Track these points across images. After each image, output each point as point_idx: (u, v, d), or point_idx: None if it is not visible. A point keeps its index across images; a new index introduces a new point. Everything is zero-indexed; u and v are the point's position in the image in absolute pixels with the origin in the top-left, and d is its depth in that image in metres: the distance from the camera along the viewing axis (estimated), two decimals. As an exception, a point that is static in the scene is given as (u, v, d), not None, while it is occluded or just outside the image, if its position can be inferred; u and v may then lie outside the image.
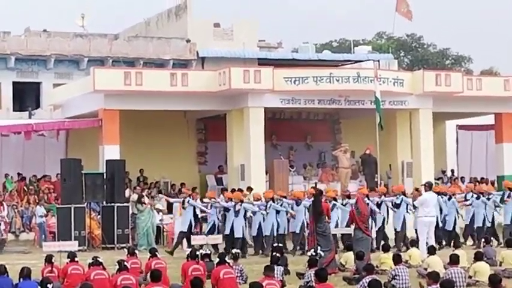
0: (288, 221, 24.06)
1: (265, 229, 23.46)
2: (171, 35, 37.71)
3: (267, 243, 23.11)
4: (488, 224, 25.26)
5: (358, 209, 19.95)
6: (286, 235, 24.10)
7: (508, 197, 25.59)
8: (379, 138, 29.05)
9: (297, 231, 23.77)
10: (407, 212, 24.17)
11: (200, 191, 29.22)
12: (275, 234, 23.45)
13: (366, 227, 19.85)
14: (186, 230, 23.43)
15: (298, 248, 23.50)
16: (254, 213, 23.69)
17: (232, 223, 23.05)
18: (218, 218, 23.73)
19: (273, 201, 23.72)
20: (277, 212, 23.74)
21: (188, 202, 23.76)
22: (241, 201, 23.39)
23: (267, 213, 23.50)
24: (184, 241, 23.63)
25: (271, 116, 31.30)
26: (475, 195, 25.72)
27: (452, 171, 35.93)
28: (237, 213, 23.11)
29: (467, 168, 36.71)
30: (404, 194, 24.54)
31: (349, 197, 24.65)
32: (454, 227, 25.06)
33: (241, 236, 23.08)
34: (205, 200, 24.72)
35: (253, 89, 28.83)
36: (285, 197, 24.52)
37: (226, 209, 23.37)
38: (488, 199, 25.55)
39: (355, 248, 19.15)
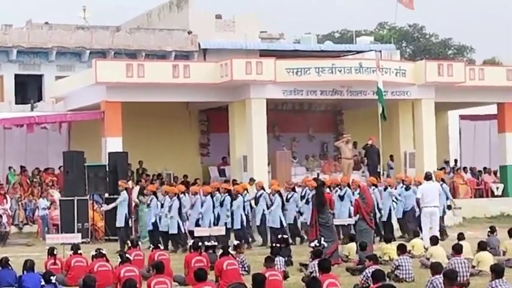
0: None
1: (202, 225, 22.81)
2: (173, 27, 37.68)
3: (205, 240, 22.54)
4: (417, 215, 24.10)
5: (364, 199, 19.95)
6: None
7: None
8: (382, 129, 29.05)
9: (238, 227, 23.15)
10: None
11: (203, 182, 29.30)
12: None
13: (371, 218, 19.80)
14: (123, 225, 22.91)
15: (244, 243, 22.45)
16: (192, 206, 23.21)
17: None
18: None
19: (212, 197, 23.17)
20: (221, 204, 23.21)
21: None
22: (176, 196, 22.85)
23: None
24: None
25: (274, 107, 31.28)
26: (404, 186, 24.78)
27: (456, 161, 35.93)
28: (170, 208, 22.69)
29: (470, 159, 36.68)
30: (348, 186, 24.12)
31: (294, 189, 24.27)
32: (389, 218, 24.55)
33: (176, 232, 22.56)
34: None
35: (255, 80, 28.82)
36: (229, 191, 23.71)
37: (162, 204, 22.98)
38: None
39: (358, 239, 19.15)
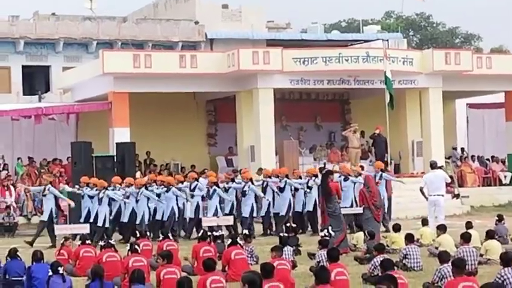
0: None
1: (137, 216, 22.44)
2: (180, 17, 37.66)
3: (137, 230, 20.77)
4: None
5: (369, 187, 19.92)
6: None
7: (380, 178, 23.75)
8: (389, 118, 29.03)
9: (165, 219, 22.70)
10: (292, 196, 23.49)
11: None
12: (146, 222, 22.35)
13: (377, 208, 19.74)
14: (46, 219, 22.34)
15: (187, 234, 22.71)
16: (126, 199, 22.65)
17: (96, 211, 22.35)
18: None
19: (146, 188, 22.76)
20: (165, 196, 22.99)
21: (49, 190, 22.63)
22: (105, 188, 22.51)
23: (137, 200, 22.53)
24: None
25: (281, 96, 31.25)
26: (342, 177, 23.57)
27: (463, 149, 35.86)
28: (100, 200, 22.36)
29: (478, 147, 36.63)
30: (294, 176, 23.91)
31: (233, 180, 23.87)
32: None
33: (103, 224, 22.20)
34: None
35: (262, 70, 28.80)
36: (163, 182, 23.33)
37: (91, 197, 22.64)
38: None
39: (364, 228, 19.15)
